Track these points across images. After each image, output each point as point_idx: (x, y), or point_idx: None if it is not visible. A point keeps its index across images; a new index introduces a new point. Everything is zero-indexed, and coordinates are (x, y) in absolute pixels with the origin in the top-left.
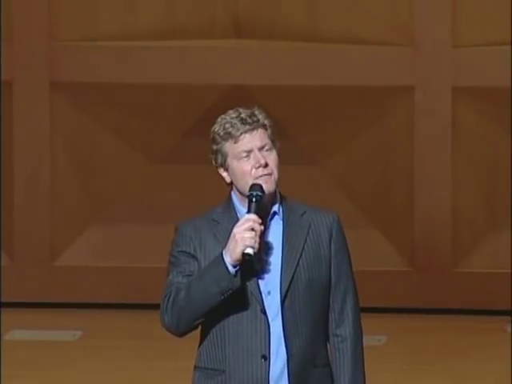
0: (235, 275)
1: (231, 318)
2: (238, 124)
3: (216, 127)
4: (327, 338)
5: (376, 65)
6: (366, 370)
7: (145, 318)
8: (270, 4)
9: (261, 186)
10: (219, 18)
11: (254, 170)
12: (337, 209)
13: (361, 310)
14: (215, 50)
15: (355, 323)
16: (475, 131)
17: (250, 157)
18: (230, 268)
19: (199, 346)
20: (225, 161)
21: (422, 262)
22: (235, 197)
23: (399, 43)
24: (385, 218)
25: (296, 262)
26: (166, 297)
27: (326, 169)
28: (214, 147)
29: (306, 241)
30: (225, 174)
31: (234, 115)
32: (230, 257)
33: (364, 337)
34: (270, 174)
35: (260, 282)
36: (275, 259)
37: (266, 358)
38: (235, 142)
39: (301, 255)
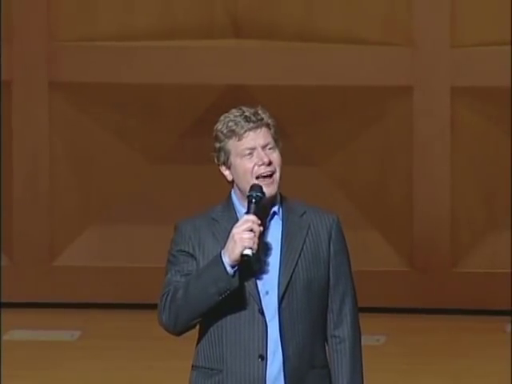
0: (233, 276)
1: (229, 317)
2: (242, 122)
3: (219, 125)
4: (325, 339)
5: (375, 65)
6: (364, 370)
7: (144, 318)
8: (269, 4)
9: (261, 187)
10: (218, 17)
11: (256, 167)
12: (336, 209)
13: (359, 310)
14: (214, 50)
15: (354, 324)
16: (474, 131)
17: (252, 155)
18: (229, 268)
19: (197, 345)
20: (227, 159)
21: (421, 262)
22: (235, 196)
23: (398, 43)
24: (384, 218)
25: (294, 263)
26: (163, 295)
27: (324, 169)
28: (217, 145)
29: (304, 241)
30: (227, 173)
31: (237, 113)
32: (229, 257)
33: (363, 337)
34: (272, 174)
35: (258, 281)
36: (274, 259)
37: (263, 357)
38: (239, 140)
39: (299, 256)
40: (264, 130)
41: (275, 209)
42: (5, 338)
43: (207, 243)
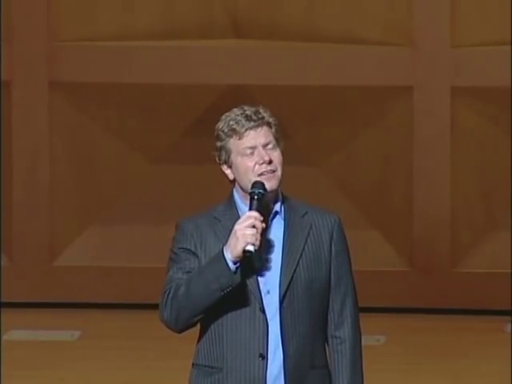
0: (235, 272)
1: (230, 315)
2: (243, 120)
3: (220, 124)
4: (326, 339)
5: (375, 65)
6: (364, 370)
7: (144, 318)
8: (269, 4)
9: (263, 184)
10: (218, 17)
11: (257, 166)
12: (336, 209)
13: (359, 310)
14: (214, 50)
15: (354, 325)
16: (474, 131)
17: (253, 153)
18: (231, 264)
19: (197, 343)
20: (228, 157)
21: (421, 261)
22: (237, 195)
23: (398, 43)
24: (384, 218)
25: (296, 263)
26: (165, 292)
27: (324, 169)
28: (218, 144)
29: (306, 241)
30: (228, 172)
31: (238, 112)
32: (231, 253)
33: (363, 337)
34: (273, 171)
35: (260, 280)
36: (275, 259)
37: (263, 356)
38: (239, 139)
39: (301, 256)
40: (265, 128)
41: (277, 208)
42: (5, 337)
43: (209, 242)
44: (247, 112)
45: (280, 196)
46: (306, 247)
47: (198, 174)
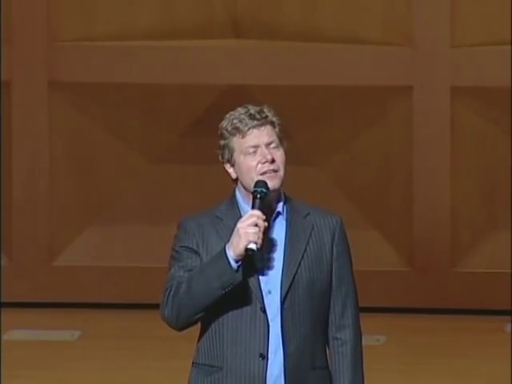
0: (237, 270)
1: (230, 315)
2: (247, 119)
3: (224, 123)
4: (326, 340)
5: (375, 65)
6: (364, 370)
7: (143, 318)
8: (269, 3)
9: (265, 183)
10: (218, 17)
11: (259, 165)
12: (336, 209)
13: (360, 310)
14: (214, 50)
15: (355, 327)
16: (474, 131)
17: (256, 152)
18: (233, 263)
19: (198, 342)
20: (231, 156)
21: (421, 261)
22: (239, 194)
23: (398, 43)
24: (384, 218)
25: (297, 264)
26: (166, 290)
27: (324, 169)
28: (222, 142)
29: (308, 242)
30: (231, 170)
31: (242, 111)
32: (233, 251)
33: (363, 337)
34: (275, 171)
35: (261, 280)
36: (277, 259)
37: (263, 356)
38: (242, 137)
39: (302, 257)
40: (268, 127)
41: (279, 208)
42: (5, 337)
43: (211, 240)
44: (251, 111)
45: (282, 196)
46: (307, 248)
47: (197, 174)
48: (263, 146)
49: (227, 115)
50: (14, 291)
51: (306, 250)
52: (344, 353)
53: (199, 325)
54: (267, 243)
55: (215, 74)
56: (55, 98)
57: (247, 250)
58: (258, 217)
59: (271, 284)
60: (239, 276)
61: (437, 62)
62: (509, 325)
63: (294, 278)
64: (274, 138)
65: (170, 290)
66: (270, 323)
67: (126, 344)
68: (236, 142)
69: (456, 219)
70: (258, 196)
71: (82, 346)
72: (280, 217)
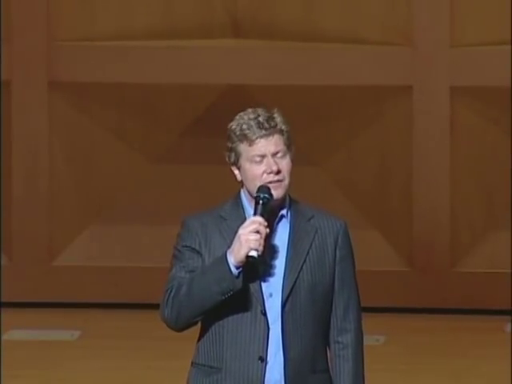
0: (237, 277)
1: (231, 316)
2: (255, 127)
3: (233, 125)
4: (327, 344)
5: (374, 64)
6: (365, 373)
7: (144, 318)
8: (268, 3)
9: (269, 189)
10: (218, 17)
11: (265, 175)
12: (336, 209)
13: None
14: (214, 50)
15: (357, 331)
16: (474, 131)
17: (262, 162)
18: (233, 269)
19: (198, 341)
20: (237, 160)
21: (421, 261)
22: (244, 196)
23: (397, 43)
24: (383, 218)
25: (299, 267)
26: (167, 291)
27: (324, 168)
28: (229, 145)
29: (311, 246)
30: (236, 172)
31: (252, 116)
32: (234, 258)
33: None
34: (280, 181)
35: (263, 283)
36: (279, 262)
37: (262, 359)
38: (250, 145)
39: (305, 260)
40: (276, 137)
41: (283, 212)
42: (4, 337)
43: (214, 240)
44: (260, 118)
45: (287, 199)
46: (310, 251)
47: (197, 173)
48: (269, 156)
49: (237, 116)
50: (14, 291)
51: (308, 253)
52: (345, 357)
53: (199, 325)
54: (270, 246)
55: (215, 73)
56: (55, 97)
57: (248, 257)
58: (260, 223)
59: (272, 287)
60: (239, 282)
61: (436, 62)
62: (509, 325)
63: (295, 281)
64: (281, 146)
65: (171, 291)
66: (271, 326)
67: (126, 344)
68: (243, 148)
69: (456, 219)
70: (261, 202)
71: (82, 346)
72: (284, 220)
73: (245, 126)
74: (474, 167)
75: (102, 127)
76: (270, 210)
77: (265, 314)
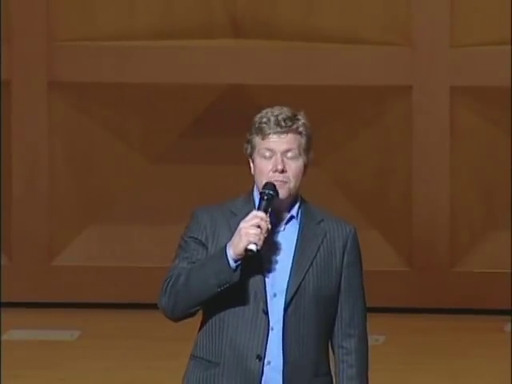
0: (235, 270)
1: (233, 313)
2: (272, 123)
3: (257, 117)
4: (331, 347)
5: (374, 64)
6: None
7: (144, 318)
8: (268, 3)
9: (274, 186)
10: (217, 17)
11: (271, 172)
12: (335, 209)
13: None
14: (213, 50)
15: (362, 337)
16: (473, 131)
17: (271, 158)
18: (231, 262)
19: (197, 333)
20: (252, 152)
21: (421, 261)
22: (256, 191)
23: (397, 43)
24: (383, 218)
25: (306, 269)
26: (166, 280)
27: (324, 168)
28: (248, 136)
29: (318, 249)
30: (251, 165)
31: (276, 113)
32: (233, 251)
33: None
34: (284, 182)
35: (267, 282)
36: (286, 263)
37: (260, 358)
38: (262, 139)
39: (311, 263)
40: (290, 136)
41: (293, 212)
42: (4, 337)
43: (222, 235)
44: (281, 116)
45: (299, 200)
46: (317, 255)
47: (197, 174)
48: (279, 154)
49: (264, 110)
50: (14, 291)
51: (316, 256)
52: (349, 362)
53: (199, 320)
54: (278, 246)
55: (215, 73)
56: (55, 97)
57: (247, 250)
58: (262, 218)
59: (277, 287)
60: (237, 276)
61: (436, 62)
62: (509, 325)
63: (300, 283)
64: (294, 146)
65: (170, 280)
66: (273, 326)
67: (126, 344)
68: (257, 141)
69: (455, 219)
70: (265, 197)
71: (82, 346)
72: (293, 220)
73: (264, 120)
74: (474, 167)
75: (101, 127)
76: (274, 207)
77: (266, 313)
